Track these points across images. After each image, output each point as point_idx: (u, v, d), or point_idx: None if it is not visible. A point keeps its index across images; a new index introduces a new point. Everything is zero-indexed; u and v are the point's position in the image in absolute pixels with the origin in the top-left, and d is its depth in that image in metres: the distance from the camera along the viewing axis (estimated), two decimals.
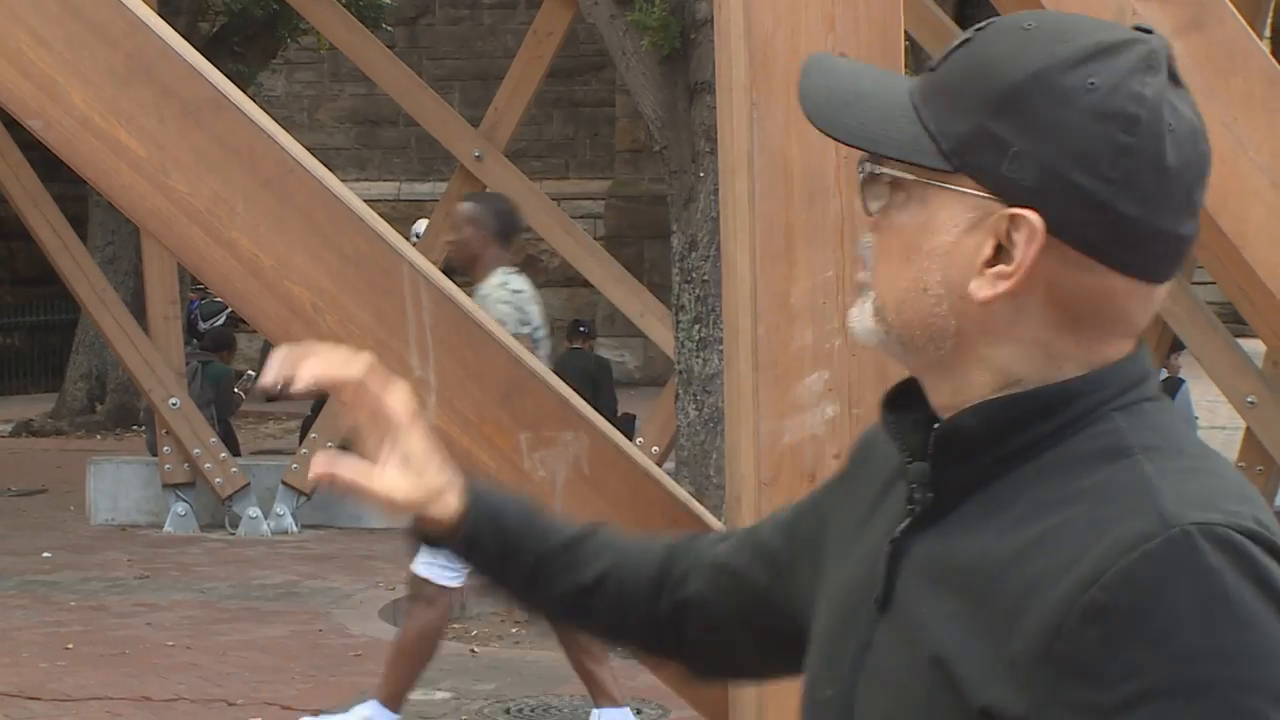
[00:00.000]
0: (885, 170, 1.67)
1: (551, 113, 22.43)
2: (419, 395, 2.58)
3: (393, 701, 7.41)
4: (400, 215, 20.87)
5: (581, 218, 19.73)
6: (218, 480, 13.25)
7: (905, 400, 1.77)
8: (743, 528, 2.17)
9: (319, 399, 13.48)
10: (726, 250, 2.70)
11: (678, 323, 9.29)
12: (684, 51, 8.87)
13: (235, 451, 14.31)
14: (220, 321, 19.46)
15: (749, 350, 2.59)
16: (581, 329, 15.18)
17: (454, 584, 7.43)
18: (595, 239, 14.94)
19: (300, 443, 13.92)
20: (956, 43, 1.70)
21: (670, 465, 10.55)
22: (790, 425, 2.58)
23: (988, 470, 1.66)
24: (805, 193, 2.57)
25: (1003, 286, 1.63)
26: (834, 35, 2.55)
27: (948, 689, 1.59)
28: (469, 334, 2.61)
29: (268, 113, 2.68)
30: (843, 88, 1.72)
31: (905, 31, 2.62)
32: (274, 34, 16.27)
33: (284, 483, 13.40)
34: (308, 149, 2.68)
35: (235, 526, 13.33)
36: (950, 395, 1.69)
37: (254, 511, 13.31)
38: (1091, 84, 1.62)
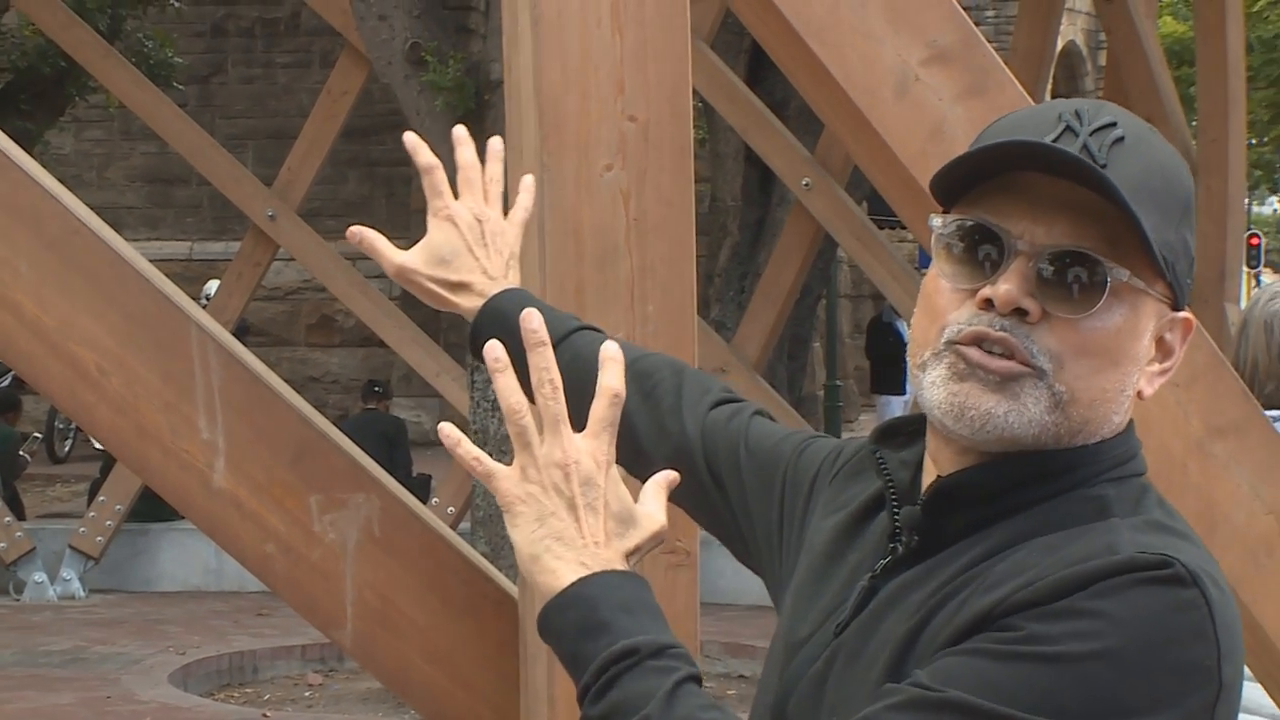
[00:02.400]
0: (1140, 284, 1.67)
1: (346, 172, 22.30)
2: (207, 458, 2.55)
3: None
4: (193, 275, 20.61)
5: (377, 277, 19.58)
6: (2, 545, 12.95)
7: (892, 437, 1.81)
8: (728, 408, 2.16)
9: (108, 461, 13.24)
10: None
11: (473, 382, 9.27)
12: (479, 112, 8.87)
13: (20, 515, 13.99)
14: (4, 383, 19.06)
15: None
16: (376, 389, 15.08)
17: None
18: (391, 298, 14.85)
19: (88, 505, 13.65)
20: (1110, 136, 1.67)
21: (466, 526, 10.51)
22: None
23: (979, 522, 1.69)
24: (596, 254, 2.58)
25: (1159, 383, 1.72)
26: (623, 98, 2.57)
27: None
28: (258, 396, 2.59)
29: (56, 171, 2.64)
30: (1142, 175, 1.68)
31: (696, 92, 2.65)
32: (62, 92, 16.01)
33: (71, 546, 13.12)
34: (98, 208, 2.64)
35: (20, 592, 13.02)
36: (967, 460, 1.71)
37: (40, 576, 13.02)
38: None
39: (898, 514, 1.76)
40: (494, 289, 2.31)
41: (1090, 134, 1.66)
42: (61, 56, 14.30)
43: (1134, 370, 1.69)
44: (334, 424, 2.70)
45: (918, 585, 1.70)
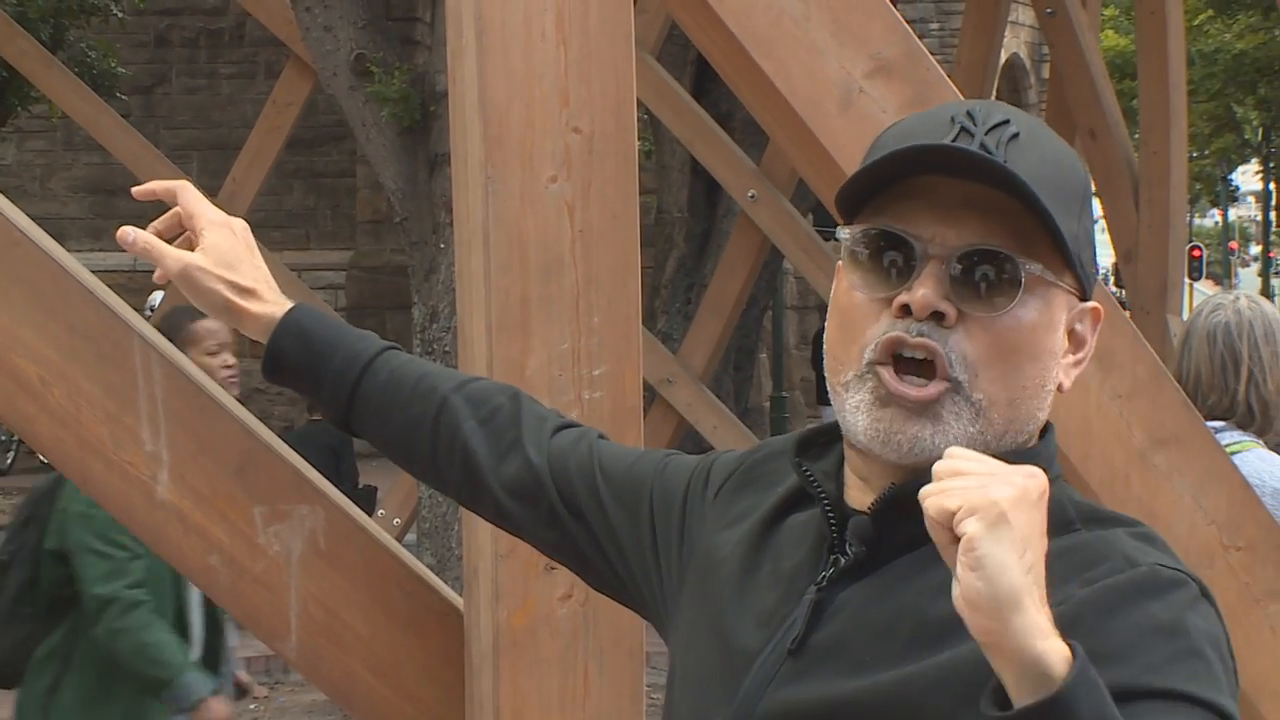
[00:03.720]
0: (1050, 276, 1.66)
1: (292, 183, 22.23)
2: (150, 470, 2.54)
3: None
4: (136, 286, 20.49)
5: (323, 288, 19.57)
6: None
7: (808, 448, 1.80)
8: (568, 441, 2.13)
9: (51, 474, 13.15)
10: (463, 323, 2.70)
11: None
12: (424, 123, 8.86)
13: None
14: None
15: None
16: None
17: None
18: (337, 310, 14.81)
19: None
20: (1007, 132, 1.67)
21: (412, 537, 10.47)
22: None
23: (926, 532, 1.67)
24: (541, 265, 2.58)
25: (1075, 374, 1.71)
26: (568, 110, 2.57)
27: None
28: (201, 407, 2.58)
29: None
30: (1041, 168, 1.68)
31: (641, 103, 2.65)
32: (4, 102, 15.92)
33: None
34: (40, 219, 2.63)
35: None
36: (901, 476, 1.70)
37: None
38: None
39: (833, 523, 1.75)
40: (284, 301, 2.21)
41: (986, 133, 1.67)
42: (3, 66, 14.21)
43: (1052, 364, 1.69)
44: (279, 435, 2.69)
45: (881, 601, 1.68)
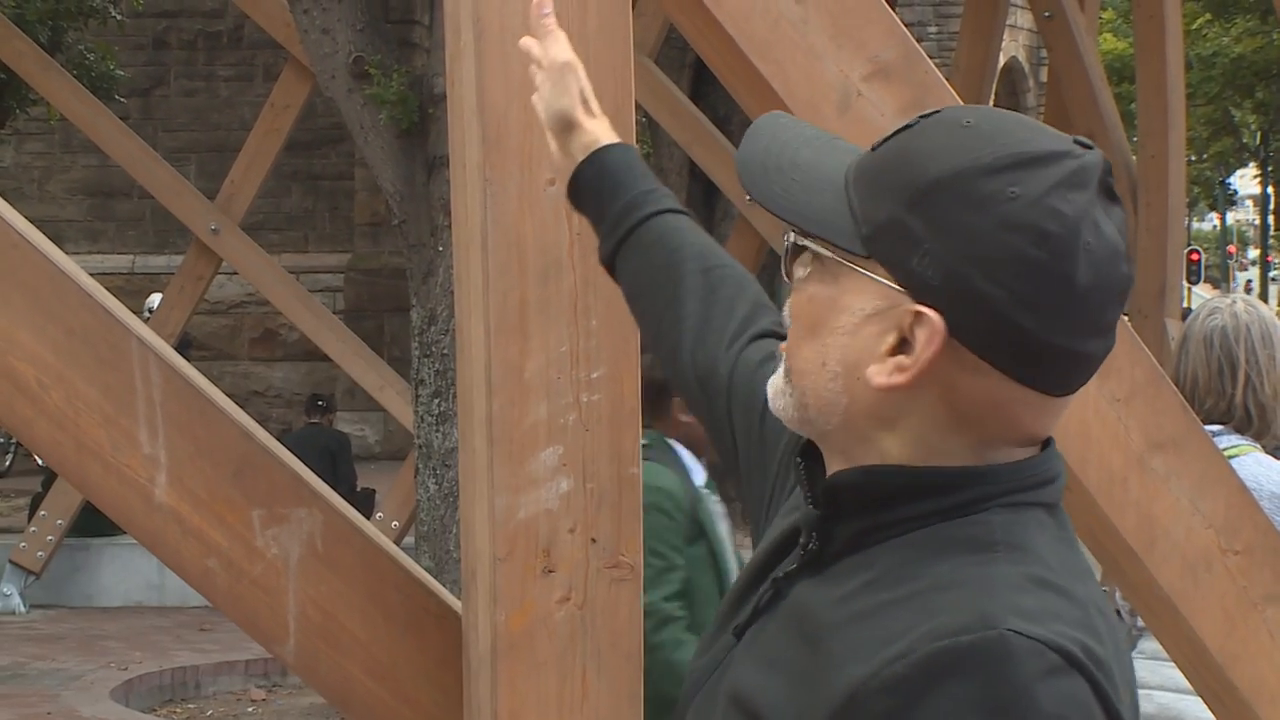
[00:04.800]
0: (806, 244, 1.69)
1: (290, 185, 22.22)
2: (148, 473, 2.54)
3: None
4: (135, 289, 20.50)
5: (320, 291, 19.57)
6: None
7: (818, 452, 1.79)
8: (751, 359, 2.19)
9: (49, 476, 13.16)
10: (461, 326, 2.70)
11: (417, 397, 9.25)
12: (422, 126, 8.86)
13: None
14: None
15: (483, 426, 2.59)
16: (320, 403, 15.02)
17: None
18: (335, 312, 14.80)
19: (29, 520, 13.55)
20: (901, 125, 1.68)
21: (411, 540, 10.48)
22: (525, 500, 2.58)
23: (866, 534, 1.67)
24: (539, 268, 2.58)
25: (899, 378, 1.63)
26: None
27: None
28: (199, 410, 2.58)
29: None
30: (779, 154, 1.72)
31: (640, 106, 2.65)
32: (2, 104, 15.91)
33: (12, 561, 13.02)
34: (38, 221, 2.63)
35: None
36: (840, 464, 1.71)
37: None
38: (1012, 193, 1.59)
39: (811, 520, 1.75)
40: (611, 137, 2.40)
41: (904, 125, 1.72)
42: (1, 69, 14.21)
43: (835, 344, 1.66)
44: (277, 438, 2.70)
45: (812, 599, 1.68)
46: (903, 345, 1.63)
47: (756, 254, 12.10)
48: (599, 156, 2.36)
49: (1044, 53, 22.19)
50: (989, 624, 1.51)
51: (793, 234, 1.70)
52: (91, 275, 2.65)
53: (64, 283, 2.52)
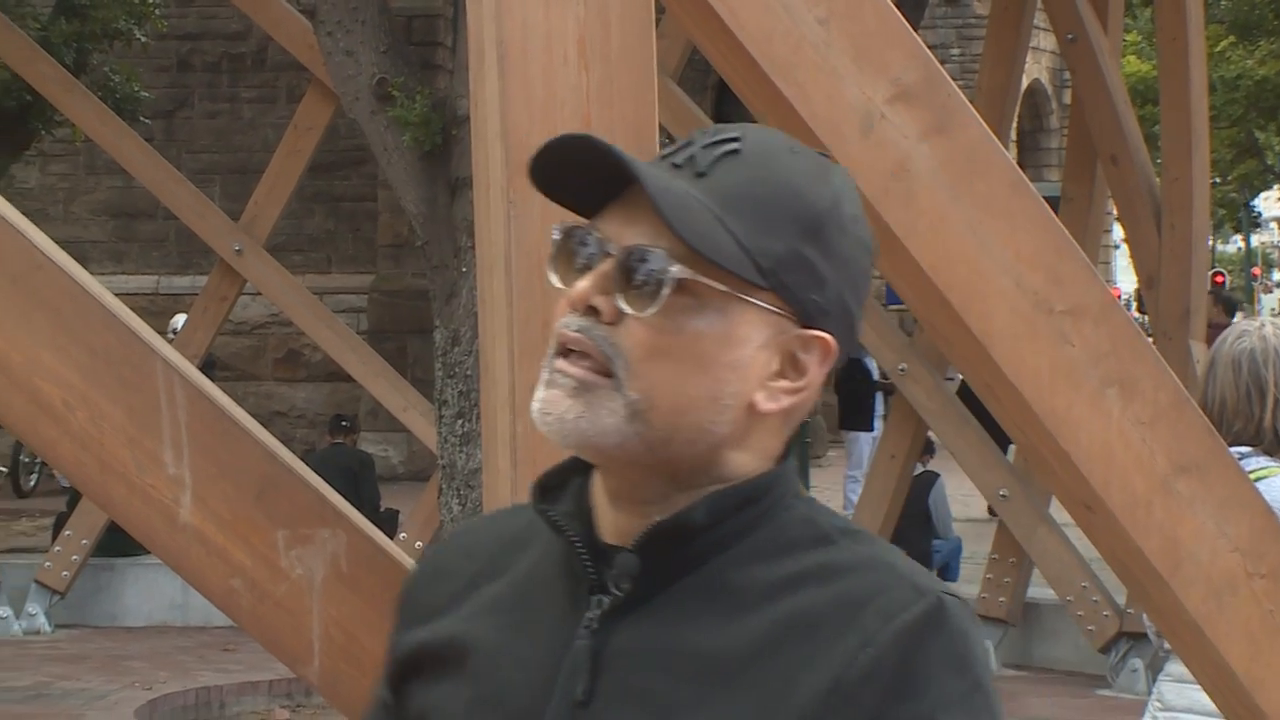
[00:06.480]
0: (702, 279, 1.65)
1: (313, 207, 22.28)
2: (172, 493, 2.54)
3: None
4: (159, 309, 20.56)
5: (344, 312, 19.60)
6: None
7: (546, 493, 1.78)
8: None
9: (73, 495, 13.19)
10: (485, 348, 2.70)
11: (441, 417, 9.25)
12: (445, 148, 8.88)
13: None
14: None
15: (507, 448, 2.59)
16: (343, 424, 15.05)
17: None
18: (358, 333, 14.82)
19: (53, 540, 13.58)
20: (721, 149, 1.69)
21: None
22: None
23: (695, 557, 1.68)
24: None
25: (786, 401, 1.69)
26: None
27: None
28: (223, 431, 2.58)
29: (20, 205, 2.64)
30: (669, 184, 1.68)
31: (662, 128, 2.66)
32: (27, 125, 15.97)
33: (37, 581, 13.05)
34: (63, 242, 2.64)
35: None
36: (661, 489, 1.70)
37: (4, 611, 12.94)
38: (855, 216, 1.71)
39: (589, 566, 1.71)
40: None
41: (703, 147, 1.70)
42: (26, 90, 14.26)
43: (730, 379, 1.67)
44: (301, 458, 2.70)
45: (667, 637, 1.66)
46: (784, 368, 1.69)
47: None
48: None
49: (1067, 75, 22.18)
50: (923, 592, 1.65)
51: (673, 267, 1.65)
52: (116, 295, 2.65)
53: (88, 303, 2.53)
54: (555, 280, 1.73)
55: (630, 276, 1.66)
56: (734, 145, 1.70)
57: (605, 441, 1.67)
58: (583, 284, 1.68)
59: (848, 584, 1.65)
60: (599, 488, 1.76)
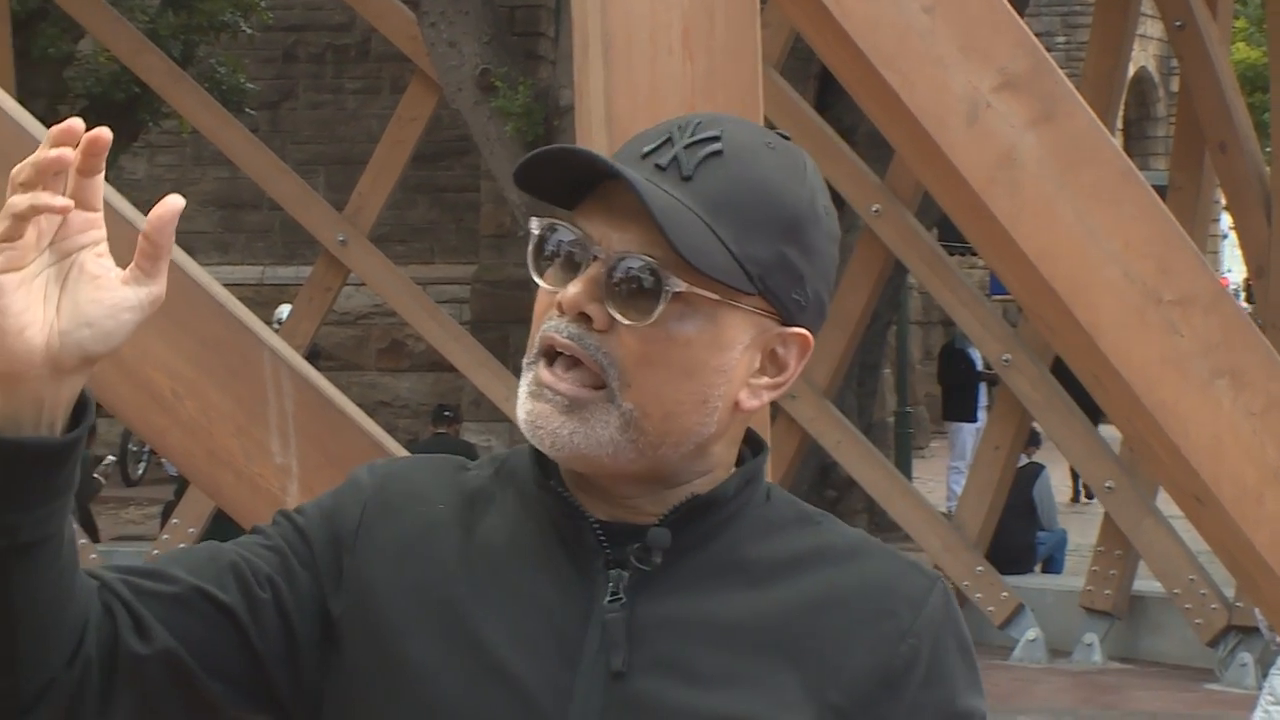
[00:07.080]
0: (697, 290, 1.65)
1: (416, 197, 22.39)
2: (279, 482, 2.57)
3: None
4: (264, 299, 20.72)
5: (446, 302, 19.67)
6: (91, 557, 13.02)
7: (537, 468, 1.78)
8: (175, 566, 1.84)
9: (181, 484, 13.33)
10: None
11: None
12: (547, 138, 8.91)
13: (95, 538, 14.08)
14: None
15: None
16: (446, 414, 15.13)
17: None
18: (461, 323, 14.88)
19: (162, 528, 13.73)
20: (704, 150, 1.68)
21: None
22: None
23: (708, 533, 1.71)
24: None
25: (768, 397, 1.74)
26: None
27: None
28: (330, 420, 2.60)
29: (128, 196, 2.66)
30: (664, 199, 1.66)
31: (765, 118, 2.65)
32: (135, 117, 16.16)
33: None
34: None
35: None
36: (641, 487, 1.72)
37: None
38: (827, 208, 1.74)
39: (605, 543, 1.70)
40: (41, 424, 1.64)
41: (685, 146, 1.68)
42: (134, 82, 14.42)
43: (718, 382, 1.68)
44: (405, 448, 2.71)
45: (693, 609, 1.68)
46: (765, 365, 1.72)
47: (882, 266, 12.06)
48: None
49: (1174, 62, 21.96)
50: (930, 576, 1.73)
51: (672, 280, 1.64)
52: (222, 286, 2.68)
53: (198, 294, 2.56)
54: (534, 275, 1.72)
55: (624, 286, 1.66)
56: (716, 146, 1.69)
57: (599, 453, 1.67)
58: (574, 290, 1.66)
59: (862, 566, 1.71)
60: (567, 474, 1.76)
